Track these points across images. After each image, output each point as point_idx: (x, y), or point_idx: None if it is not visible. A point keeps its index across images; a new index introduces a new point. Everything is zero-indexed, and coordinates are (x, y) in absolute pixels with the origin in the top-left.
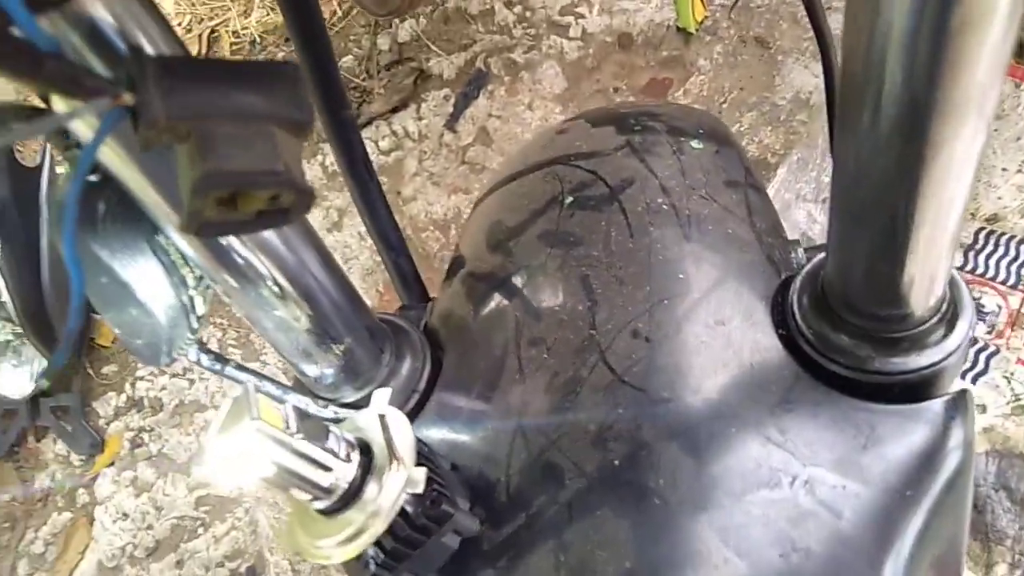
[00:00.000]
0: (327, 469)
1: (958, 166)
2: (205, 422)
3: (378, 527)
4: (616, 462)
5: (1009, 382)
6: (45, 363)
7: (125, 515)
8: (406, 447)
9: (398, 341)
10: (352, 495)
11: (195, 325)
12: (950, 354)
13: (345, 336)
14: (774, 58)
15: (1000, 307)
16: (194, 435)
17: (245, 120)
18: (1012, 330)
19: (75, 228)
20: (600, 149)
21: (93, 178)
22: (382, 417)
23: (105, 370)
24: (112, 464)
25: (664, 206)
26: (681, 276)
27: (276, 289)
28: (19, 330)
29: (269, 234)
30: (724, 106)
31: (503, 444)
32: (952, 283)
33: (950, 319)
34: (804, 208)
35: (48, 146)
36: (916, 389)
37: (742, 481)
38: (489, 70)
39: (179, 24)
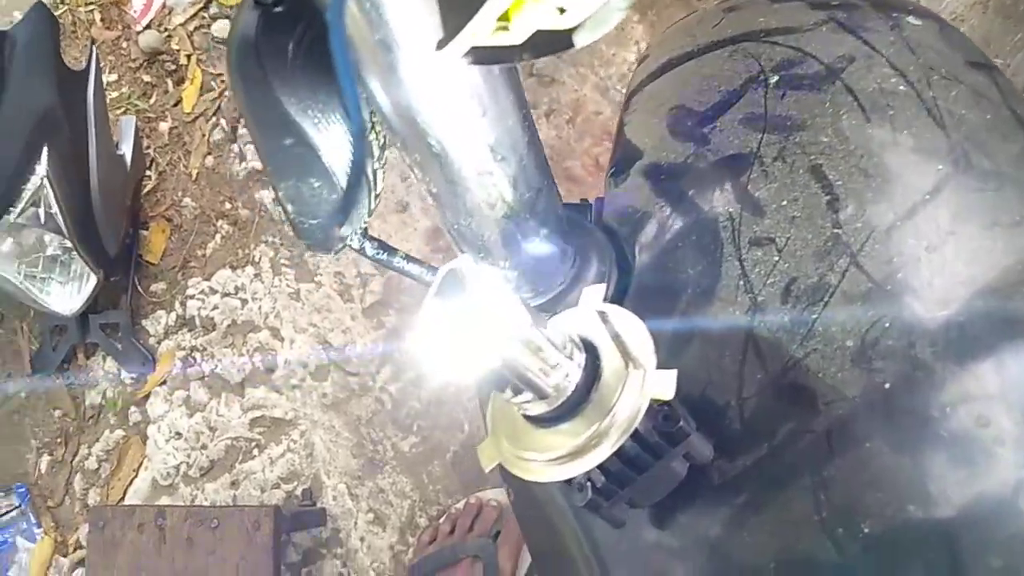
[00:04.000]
0: (553, 366)
1: None
2: (259, 343)
3: (607, 446)
4: (887, 385)
5: None
6: (93, 279)
7: (178, 434)
8: (643, 347)
9: (580, 241)
10: (574, 403)
11: (373, 205)
12: None
13: (540, 229)
14: None
15: None
16: (247, 355)
17: None
18: None
19: (343, 31)
20: (796, 25)
21: (278, 8)
22: (602, 314)
23: (154, 288)
24: (164, 383)
25: (900, 87)
26: (940, 167)
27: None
28: (68, 244)
29: (483, 90)
30: None
31: (731, 362)
32: None
33: None
34: None
35: (94, 50)
36: None
37: None
38: None
39: None
